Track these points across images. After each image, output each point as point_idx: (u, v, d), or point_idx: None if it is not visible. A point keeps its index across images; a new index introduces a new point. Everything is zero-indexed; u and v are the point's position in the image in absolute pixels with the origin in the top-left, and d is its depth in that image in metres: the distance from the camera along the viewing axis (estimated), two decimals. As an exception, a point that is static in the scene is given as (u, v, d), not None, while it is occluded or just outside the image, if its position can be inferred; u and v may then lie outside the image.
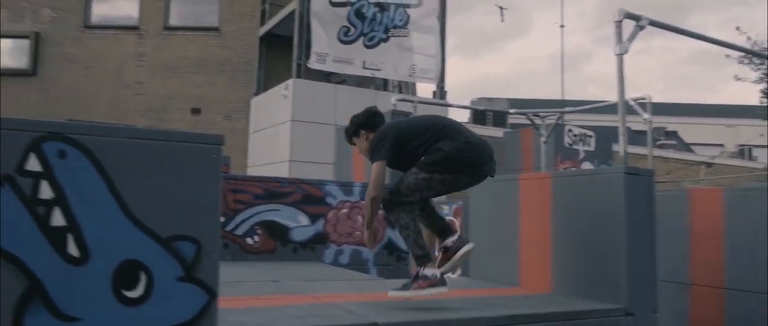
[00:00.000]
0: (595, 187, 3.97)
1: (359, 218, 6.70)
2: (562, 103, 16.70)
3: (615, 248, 3.80)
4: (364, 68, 13.12)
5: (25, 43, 15.43)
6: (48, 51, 15.34)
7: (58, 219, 2.10)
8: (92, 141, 2.17)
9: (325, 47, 12.66)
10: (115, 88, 15.13)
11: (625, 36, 4.15)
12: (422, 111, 7.59)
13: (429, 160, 3.42)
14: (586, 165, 11.09)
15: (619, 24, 4.15)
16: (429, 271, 3.36)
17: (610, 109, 8.06)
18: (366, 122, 3.84)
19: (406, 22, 13.65)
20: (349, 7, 12.93)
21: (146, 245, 2.21)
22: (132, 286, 2.19)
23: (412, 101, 8.57)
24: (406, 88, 15.60)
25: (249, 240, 6.15)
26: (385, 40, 13.33)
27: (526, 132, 11.99)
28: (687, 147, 26.43)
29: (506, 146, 12.10)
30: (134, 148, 2.24)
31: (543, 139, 9.03)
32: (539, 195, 4.39)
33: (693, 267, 5.39)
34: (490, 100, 20.11)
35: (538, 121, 9.29)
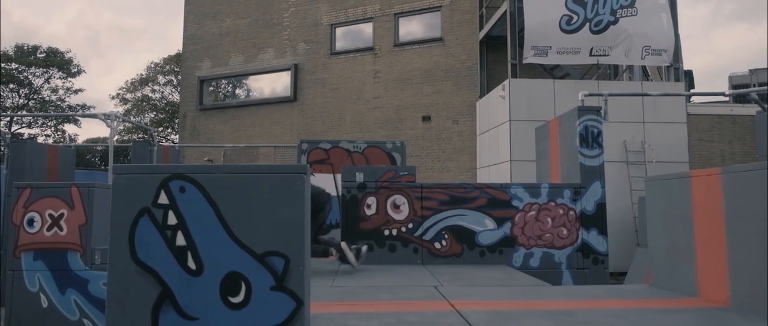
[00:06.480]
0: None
1: (549, 220, 6.55)
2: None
3: (793, 256, 3.20)
4: (591, 55, 12.51)
5: (287, 75, 18.18)
6: (304, 78, 17.83)
7: (180, 240, 2.71)
8: (203, 178, 2.74)
9: (546, 40, 12.41)
10: (357, 104, 16.88)
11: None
12: (612, 104, 7.07)
13: None
14: None
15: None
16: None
17: None
18: None
19: (634, 1, 12.63)
20: (565, -5, 12.49)
21: (245, 260, 2.71)
22: (235, 293, 2.70)
23: (602, 95, 7.95)
24: (640, 73, 14.34)
25: (437, 245, 6.49)
26: (614, 22, 12.52)
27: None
28: None
29: (758, 129, 10.36)
30: (234, 181, 2.75)
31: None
32: (711, 195, 3.88)
33: None
34: (753, 71, 17.20)
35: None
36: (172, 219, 2.73)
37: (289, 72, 18.08)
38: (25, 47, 33.43)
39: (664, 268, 4.50)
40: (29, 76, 33.28)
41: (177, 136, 29.88)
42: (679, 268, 4.27)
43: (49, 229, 6.45)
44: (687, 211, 4.13)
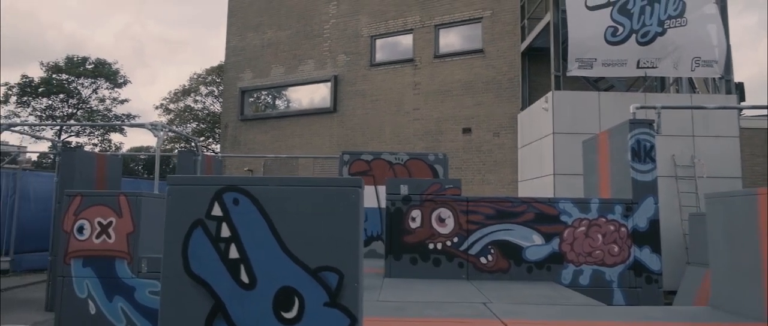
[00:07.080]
0: None
1: (599, 236, 6.35)
2: None
3: None
4: (638, 67, 12.22)
5: (326, 86, 18.28)
6: (344, 90, 17.90)
7: (233, 252, 2.68)
8: (256, 190, 2.71)
9: (591, 52, 12.19)
10: (397, 116, 16.85)
11: None
12: (665, 117, 6.83)
13: None
14: None
15: None
16: None
17: None
18: None
19: (683, 11, 12.30)
20: (610, 7, 12.25)
21: (298, 274, 2.65)
22: (288, 308, 2.64)
23: (654, 108, 7.69)
24: (688, 85, 13.93)
25: (483, 260, 6.36)
26: (662, 33, 12.22)
27: None
28: None
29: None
30: (287, 194, 2.71)
31: None
32: (781, 214, 3.66)
33: None
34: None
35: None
36: (225, 232, 2.70)
37: (329, 83, 18.18)
38: (75, 58, 34.57)
39: (726, 290, 4.28)
40: (78, 87, 34.39)
41: (218, 146, 30.39)
42: (744, 290, 4.05)
43: (97, 237, 6.56)
44: (753, 230, 3.92)
